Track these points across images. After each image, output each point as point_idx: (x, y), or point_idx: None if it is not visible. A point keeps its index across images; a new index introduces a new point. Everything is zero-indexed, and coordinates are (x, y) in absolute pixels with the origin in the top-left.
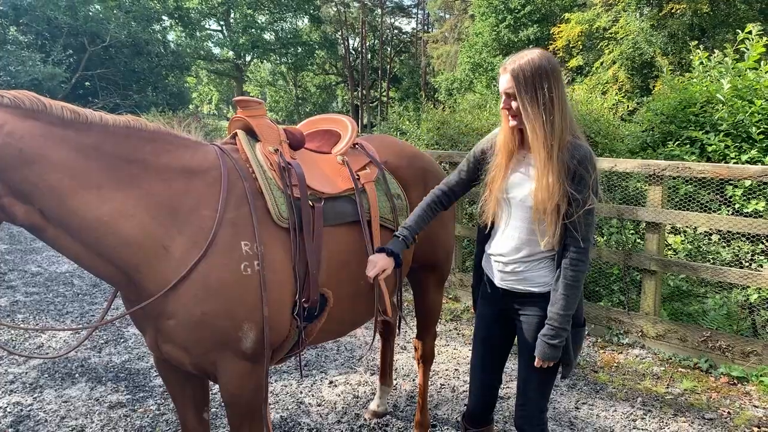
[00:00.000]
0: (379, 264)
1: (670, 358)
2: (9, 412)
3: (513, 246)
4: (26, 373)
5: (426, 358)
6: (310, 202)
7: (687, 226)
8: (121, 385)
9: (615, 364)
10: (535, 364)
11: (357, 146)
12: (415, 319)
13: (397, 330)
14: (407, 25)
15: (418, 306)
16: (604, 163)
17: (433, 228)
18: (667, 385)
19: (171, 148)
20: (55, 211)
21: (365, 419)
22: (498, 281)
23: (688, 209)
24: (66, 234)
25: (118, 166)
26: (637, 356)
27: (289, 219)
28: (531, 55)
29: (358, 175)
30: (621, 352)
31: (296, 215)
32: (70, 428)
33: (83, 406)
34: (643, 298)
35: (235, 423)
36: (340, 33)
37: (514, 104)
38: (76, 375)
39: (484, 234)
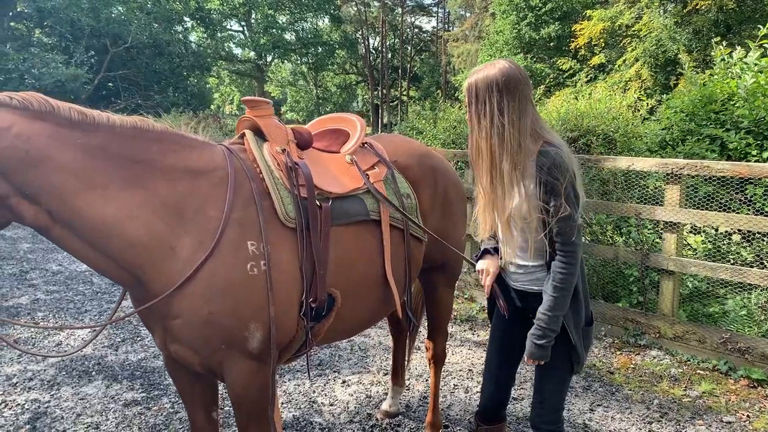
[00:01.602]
0: (492, 270)
1: (688, 360)
2: (27, 409)
3: (516, 253)
4: (45, 370)
5: (437, 359)
6: (318, 202)
7: (706, 226)
8: (137, 383)
9: (631, 366)
10: (526, 361)
11: (366, 145)
12: (426, 319)
13: (408, 328)
14: (428, 23)
15: (429, 306)
16: (621, 162)
17: (444, 227)
18: (685, 387)
19: (177, 148)
20: (60, 211)
21: (377, 419)
22: (512, 283)
23: (707, 209)
24: (72, 234)
25: (124, 167)
26: (654, 358)
27: (296, 219)
28: (489, 69)
29: (367, 174)
30: (638, 354)
31: (303, 215)
32: (86, 425)
33: (99, 404)
34: (661, 298)
35: (242, 422)
36: (360, 32)
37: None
38: (93, 373)
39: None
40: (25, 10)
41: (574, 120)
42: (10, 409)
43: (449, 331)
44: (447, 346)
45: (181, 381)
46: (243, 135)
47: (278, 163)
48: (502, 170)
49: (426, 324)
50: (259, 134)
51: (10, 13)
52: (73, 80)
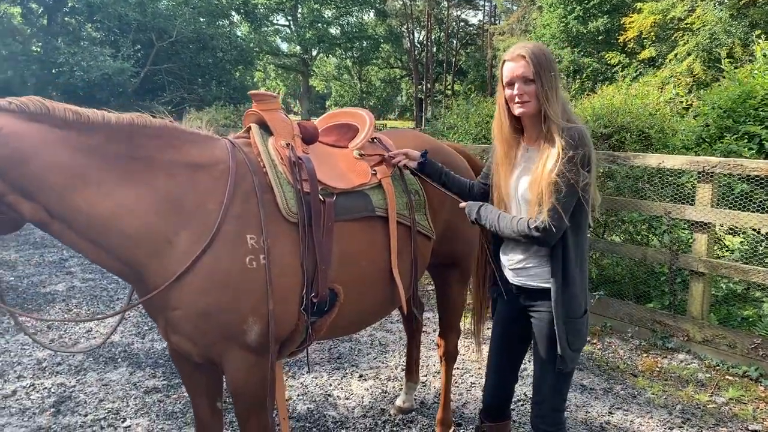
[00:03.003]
0: (412, 153)
1: (718, 365)
2: (53, 393)
3: (520, 243)
4: (73, 356)
5: (449, 356)
6: (321, 197)
7: (738, 226)
8: (159, 371)
9: (657, 369)
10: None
11: (375, 140)
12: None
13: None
14: (474, 17)
15: (440, 303)
16: (651, 159)
17: (455, 222)
18: (711, 393)
19: (177, 143)
20: (56, 207)
21: (390, 414)
22: (511, 278)
23: (741, 209)
24: (70, 229)
25: (121, 164)
26: (681, 361)
27: (299, 214)
28: (535, 43)
29: (374, 170)
30: (665, 357)
31: (305, 210)
32: (107, 411)
33: (121, 390)
34: (690, 300)
35: (242, 414)
36: (405, 26)
37: (528, 89)
38: (119, 360)
39: None
40: (77, 6)
41: (609, 116)
42: (37, 392)
43: (465, 328)
44: (465, 343)
45: (184, 371)
46: (249, 129)
47: (282, 157)
48: (551, 140)
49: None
50: (266, 128)
51: (65, 9)
52: (120, 73)
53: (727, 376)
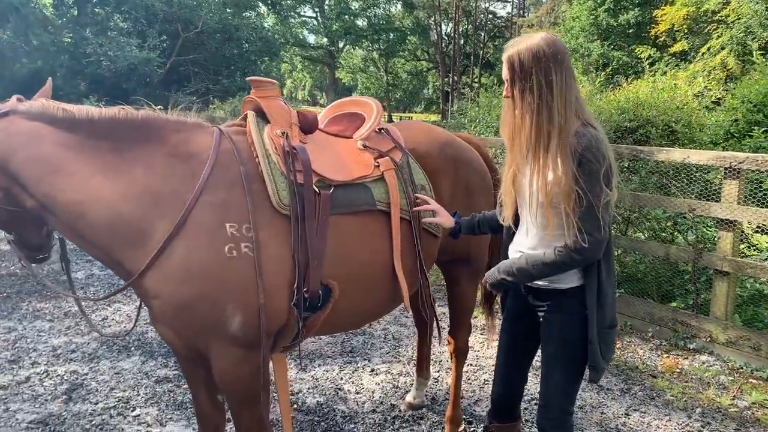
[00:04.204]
0: (435, 206)
1: (741, 368)
2: (66, 380)
3: (531, 243)
4: (87, 343)
5: (459, 352)
6: (317, 189)
7: (766, 224)
8: (171, 360)
9: (677, 370)
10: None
11: (383, 131)
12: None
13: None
14: (502, 9)
15: (450, 300)
16: (675, 155)
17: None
18: (734, 396)
19: (161, 133)
20: (39, 197)
21: (401, 410)
22: None
23: None
24: (55, 218)
25: (99, 156)
26: (703, 363)
27: (291, 206)
28: (531, 39)
29: (377, 162)
30: (686, 358)
31: (299, 202)
32: (117, 399)
33: (132, 379)
34: (714, 300)
35: (234, 408)
36: (432, 18)
37: (513, 91)
38: (132, 348)
39: (510, 228)
40: None
41: (634, 109)
42: (50, 378)
43: (481, 323)
44: (480, 339)
45: (184, 361)
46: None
47: (276, 146)
48: (548, 149)
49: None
50: (263, 116)
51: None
52: (146, 64)
53: (750, 379)
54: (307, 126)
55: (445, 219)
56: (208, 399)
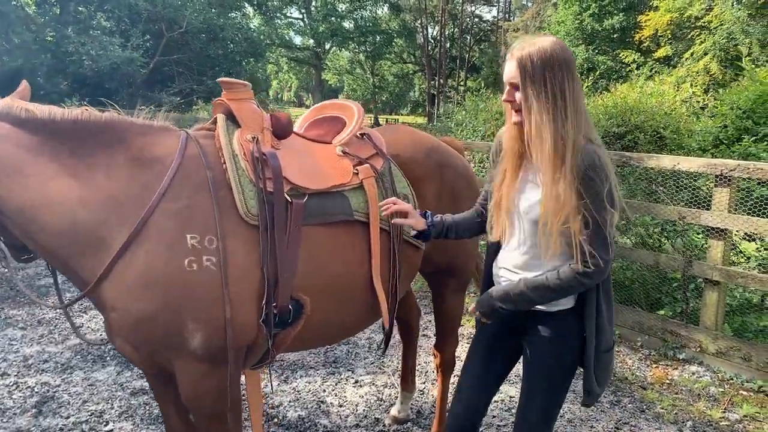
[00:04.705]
0: (405, 207)
1: (731, 379)
2: (36, 392)
3: (521, 262)
4: (61, 353)
5: (446, 366)
6: (289, 198)
7: (757, 233)
8: None
9: (667, 381)
10: (470, 309)
11: (365, 136)
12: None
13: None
14: (488, 13)
15: (436, 312)
16: (665, 161)
17: None
18: (725, 409)
19: (125, 136)
20: None
21: (385, 425)
22: None
23: (760, 214)
24: (8, 220)
25: (58, 158)
26: (693, 374)
27: (259, 215)
28: (542, 42)
29: (357, 170)
30: (676, 368)
31: (268, 212)
32: (89, 413)
33: (106, 391)
34: (704, 310)
35: (202, 426)
36: (419, 21)
37: (518, 96)
38: (107, 358)
39: (496, 243)
40: None
41: (622, 114)
42: (20, 391)
43: (468, 331)
44: (466, 350)
45: (150, 378)
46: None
47: (245, 152)
48: (564, 161)
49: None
50: (234, 119)
51: None
52: (129, 63)
53: (741, 391)
54: (280, 130)
55: (415, 221)
56: (179, 418)
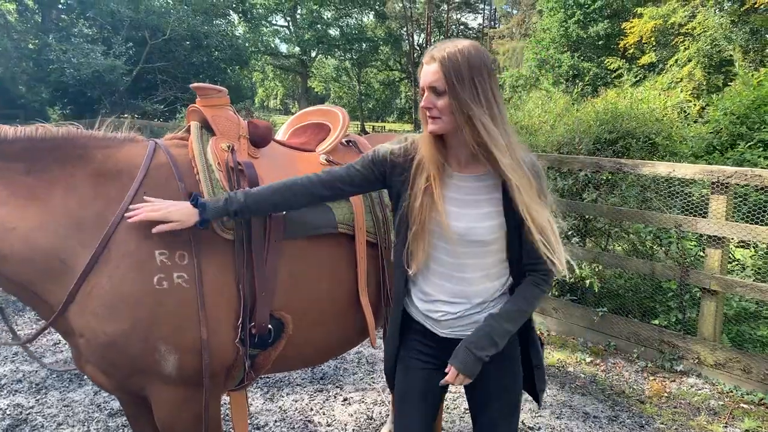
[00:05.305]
0: (157, 208)
1: (731, 391)
2: (8, 415)
3: (459, 290)
4: (36, 372)
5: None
6: None
7: (755, 241)
8: None
9: (665, 395)
10: (445, 379)
11: (351, 143)
12: None
13: None
14: (473, 20)
15: None
16: (661, 168)
17: None
18: (726, 423)
19: (82, 152)
20: None
21: None
22: (442, 330)
23: (756, 221)
24: None
25: (12, 180)
26: (691, 386)
27: (235, 229)
28: (462, 44)
29: None
30: (673, 381)
31: (244, 225)
32: None
33: (83, 412)
34: (702, 320)
35: None
36: (405, 29)
37: (440, 102)
38: (84, 377)
39: (406, 273)
40: (69, 1)
41: (613, 121)
42: None
43: None
44: None
45: (125, 404)
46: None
47: (220, 161)
48: (522, 163)
49: None
50: (209, 127)
51: (59, 5)
52: (111, 71)
53: (741, 404)
54: (259, 138)
55: (180, 221)
56: None
